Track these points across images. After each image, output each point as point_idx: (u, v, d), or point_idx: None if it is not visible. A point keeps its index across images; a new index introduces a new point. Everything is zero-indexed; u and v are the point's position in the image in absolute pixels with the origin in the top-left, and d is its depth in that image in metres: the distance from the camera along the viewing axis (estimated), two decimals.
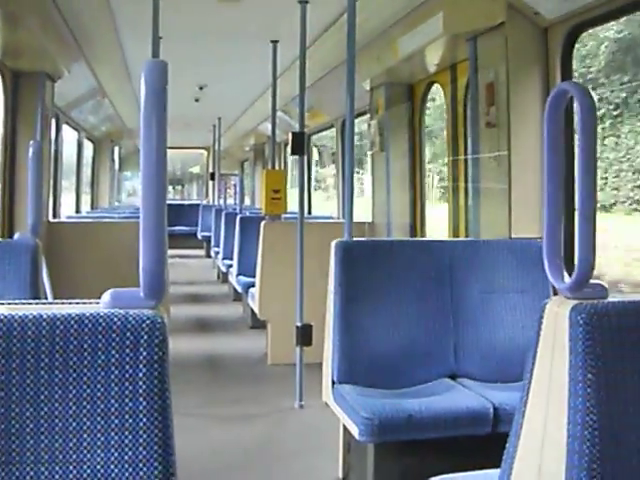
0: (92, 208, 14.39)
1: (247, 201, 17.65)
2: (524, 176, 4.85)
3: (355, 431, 3.58)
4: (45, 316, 1.66)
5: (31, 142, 4.65)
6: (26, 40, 5.80)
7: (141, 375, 1.67)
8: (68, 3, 5.86)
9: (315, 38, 6.75)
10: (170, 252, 6.40)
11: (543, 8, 4.63)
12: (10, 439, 1.64)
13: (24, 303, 1.87)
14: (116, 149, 16.74)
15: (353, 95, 4.74)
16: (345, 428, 4.00)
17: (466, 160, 6.23)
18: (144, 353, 1.67)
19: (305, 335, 5.79)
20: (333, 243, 4.18)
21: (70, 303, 1.84)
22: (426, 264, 4.28)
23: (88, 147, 14.13)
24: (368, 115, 7.77)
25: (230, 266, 10.39)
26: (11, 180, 6.57)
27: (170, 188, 24.14)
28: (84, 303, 1.84)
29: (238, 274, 9.24)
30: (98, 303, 1.79)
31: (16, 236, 4.99)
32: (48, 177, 7.48)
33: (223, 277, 12.28)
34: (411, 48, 5.89)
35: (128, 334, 1.67)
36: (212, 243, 13.89)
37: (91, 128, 13.21)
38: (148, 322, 1.68)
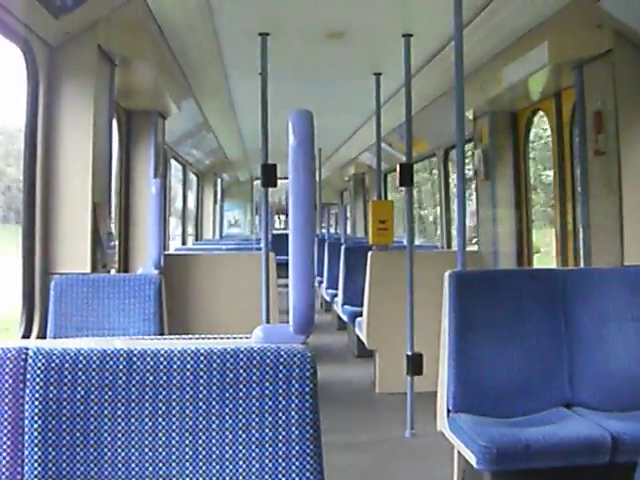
0: (197, 240, 14.67)
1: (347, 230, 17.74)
2: (636, 203, 4.82)
3: (473, 460, 3.59)
4: (203, 351, 1.77)
5: (153, 179, 4.84)
6: (140, 81, 6.04)
7: (293, 406, 1.76)
8: (180, 44, 6.09)
9: (418, 70, 6.84)
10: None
11: None
12: (171, 465, 1.75)
13: (178, 338, 1.99)
14: (218, 181, 17.07)
15: (463, 123, 4.79)
16: (461, 457, 4.02)
17: (574, 187, 6.21)
18: (296, 385, 1.77)
19: (416, 364, 5.82)
20: (447, 274, 4.22)
21: (222, 338, 1.95)
22: (538, 293, 4.28)
23: (192, 180, 14.46)
24: (472, 144, 7.79)
25: (335, 295, 10.47)
26: (126, 214, 6.81)
27: (276, 217, 24.44)
28: (234, 338, 1.95)
29: (344, 303, 9.32)
30: (247, 338, 1.90)
31: (140, 271, 5.20)
32: None
33: (327, 306, 12.36)
34: (516, 77, 5.92)
35: (281, 367, 1.77)
36: (315, 272, 13.97)
37: (196, 162, 13.53)
38: (299, 356, 1.78)
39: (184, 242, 13.18)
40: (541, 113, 7.03)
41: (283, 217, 25.36)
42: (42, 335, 4.61)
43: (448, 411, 4.10)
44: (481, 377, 4.11)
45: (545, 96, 6.53)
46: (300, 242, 1.74)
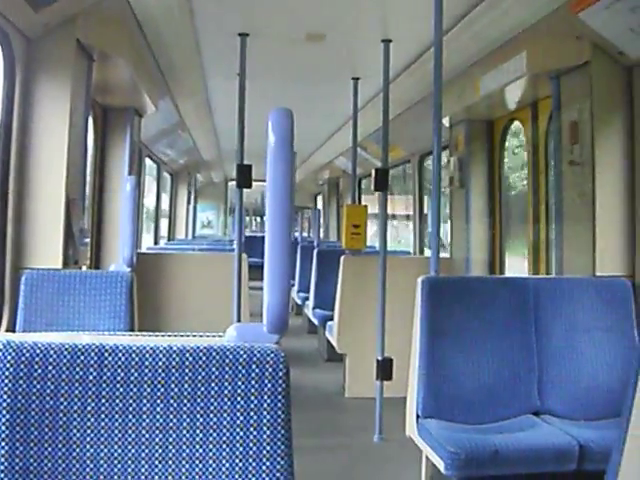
0: (169, 239, 14.61)
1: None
2: (608, 214, 4.86)
3: (441, 465, 3.61)
4: (175, 348, 1.76)
5: (127, 177, 4.82)
6: (118, 77, 6.01)
7: (265, 406, 1.75)
8: (159, 42, 6.06)
9: (396, 75, 6.85)
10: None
11: (628, 48, 4.66)
12: (140, 464, 1.74)
13: (150, 335, 1.98)
14: (192, 181, 17.01)
15: (440, 130, 4.81)
16: (429, 462, 4.03)
17: (547, 196, 6.25)
18: (269, 385, 1.76)
19: (386, 369, 5.82)
20: (419, 279, 4.23)
21: (195, 336, 1.94)
22: (510, 301, 4.31)
23: (166, 179, 14.42)
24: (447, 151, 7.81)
25: (306, 299, 10.46)
26: (100, 211, 6.77)
27: (253, 219, 24.39)
28: (207, 336, 1.94)
29: (315, 307, 9.32)
30: (220, 336, 1.89)
31: (112, 267, 5.16)
32: None
33: (297, 309, 12.36)
34: (493, 86, 5.95)
35: (254, 366, 1.76)
36: None
37: (170, 161, 13.48)
38: (272, 356, 1.77)
39: (156, 241, 13.12)
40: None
41: (258, 219, 25.35)
42: (11, 330, 4.56)
43: (417, 416, 4.12)
44: (451, 383, 4.13)
45: (522, 106, 6.56)
46: (277, 241, 1.74)
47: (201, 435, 1.75)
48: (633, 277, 4.73)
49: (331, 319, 7.77)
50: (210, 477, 1.74)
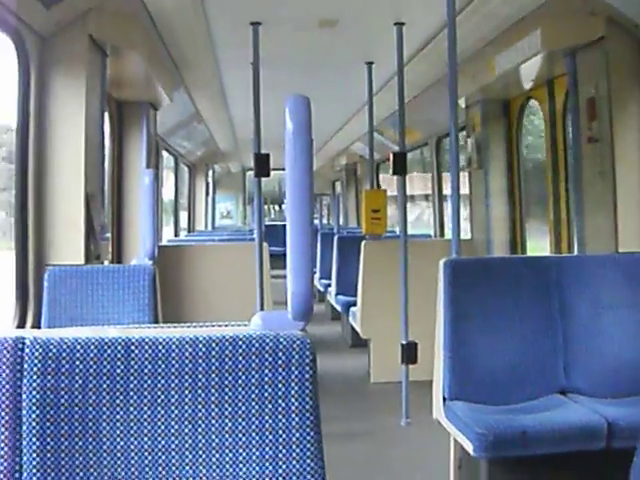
0: (189, 231, 14.65)
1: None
2: (629, 190, 4.83)
3: (469, 447, 3.60)
4: (201, 338, 1.76)
5: (146, 170, 4.84)
6: (132, 72, 6.02)
7: (293, 393, 1.76)
8: (171, 34, 6.06)
9: (410, 58, 6.82)
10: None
11: None
12: (170, 454, 1.75)
13: (175, 326, 1.98)
14: (210, 173, 17.05)
15: (456, 111, 4.79)
16: (457, 444, 4.03)
17: (567, 174, 6.22)
18: (295, 372, 1.76)
19: (410, 353, 5.82)
20: (441, 262, 4.21)
21: (220, 326, 1.94)
22: (533, 281, 4.29)
23: (184, 171, 14.44)
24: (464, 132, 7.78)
25: (328, 285, 10.48)
26: (119, 205, 6.79)
27: (270, 208, 24.35)
28: (232, 325, 1.94)
29: (337, 293, 9.33)
30: (246, 325, 1.89)
31: (133, 262, 5.19)
32: None
33: (320, 296, 12.38)
34: (508, 65, 5.91)
35: (280, 354, 1.76)
36: None
37: (187, 153, 13.50)
38: (298, 343, 1.77)
39: (177, 234, 13.16)
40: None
41: (277, 208, 25.34)
42: (36, 326, 4.60)
43: (444, 399, 4.11)
44: (476, 365, 4.12)
45: (538, 84, 6.53)
46: (298, 228, 1.73)
47: (230, 424, 1.75)
48: None
49: (354, 305, 7.78)
50: (241, 465, 1.74)
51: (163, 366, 1.75)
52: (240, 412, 1.75)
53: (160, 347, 1.76)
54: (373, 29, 6.39)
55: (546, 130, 6.54)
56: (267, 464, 1.74)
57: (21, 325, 4.66)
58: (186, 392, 1.75)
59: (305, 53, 7.30)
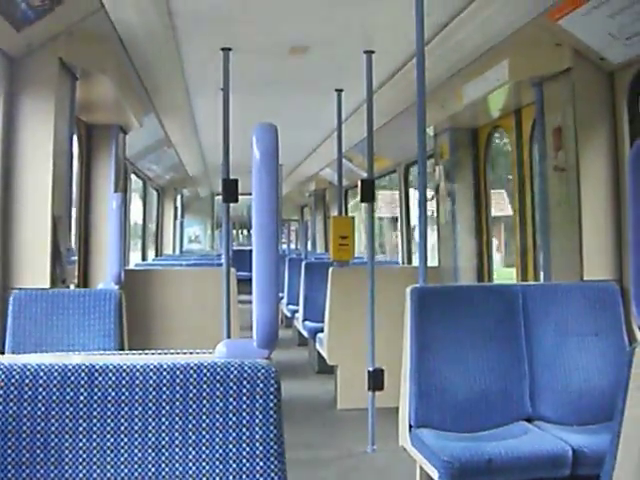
0: (157, 255, 14.58)
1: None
2: (594, 219, 4.88)
3: (435, 475, 3.60)
4: (166, 366, 1.75)
5: (113, 194, 4.80)
6: (101, 95, 6.00)
7: (257, 421, 1.75)
8: (141, 59, 6.05)
9: (379, 86, 6.87)
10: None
11: (608, 53, 4.69)
12: None
13: (140, 353, 1.96)
14: (178, 197, 17.01)
15: (424, 139, 4.82)
16: (423, 472, 4.02)
17: (533, 202, 6.27)
18: (260, 401, 1.75)
19: (377, 380, 5.81)
20: (408, 289, 4.23)
21: (184, 353, 1.93)
22: (499, 308, 4.32)
23: (152, 195, 14.40)
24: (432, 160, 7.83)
25: (295, 311, 10.45)
26: (86, 229, 6.75)
27: (240, 233, 24.34)
28: (197, 353, 1.93)
29: (304, 319, 9.31)
30: (211, 353, 1.88)
31: (100, 286, 5.15)
32: None
33: (287, 322, 12.35)
34: (476, 95, 5.97)
35: (245, 383, 1.75)
36: None
37: (156, 177, 13.46)
38: (263, 371, 1.76)
39: (144, 258, 13.09)
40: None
41: (245, 233, 25.30)
42: (0, 351, 4.54)
43: (410, 426, 4.11)
44: (443, 392, 4.13)
45: (505, 113, 6.59)
46: (264, 255, 1.73)
47: (194, 453, 1.74)
48: (621, 281, 4.75)
49: (321, 331, 7.77)
50: None
51: (127, 393, 1.74)
52: (204, 440, 1.74)
53: (124, 374, 1.74)
54: (343, 56, 6.42)
55: (513, 159, 6.60)
56: None
57: None
58: (150, 420, 1.74)
59: (275, 79, 7.32)
